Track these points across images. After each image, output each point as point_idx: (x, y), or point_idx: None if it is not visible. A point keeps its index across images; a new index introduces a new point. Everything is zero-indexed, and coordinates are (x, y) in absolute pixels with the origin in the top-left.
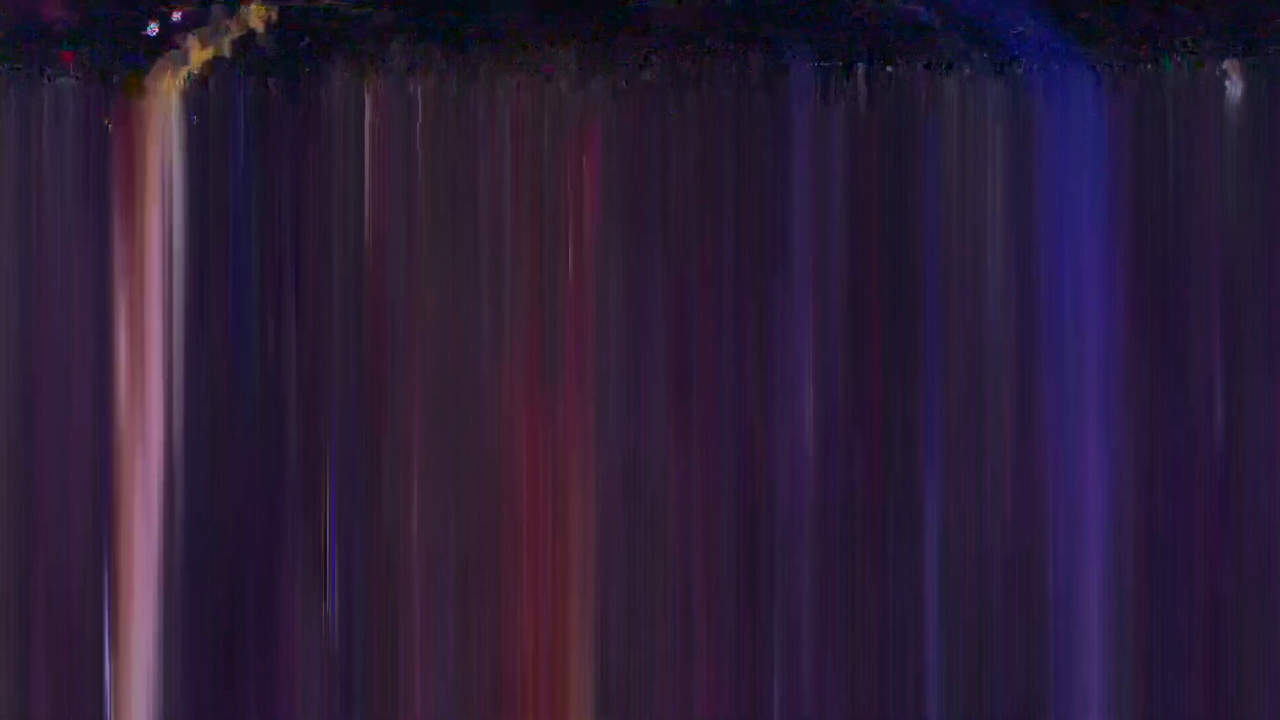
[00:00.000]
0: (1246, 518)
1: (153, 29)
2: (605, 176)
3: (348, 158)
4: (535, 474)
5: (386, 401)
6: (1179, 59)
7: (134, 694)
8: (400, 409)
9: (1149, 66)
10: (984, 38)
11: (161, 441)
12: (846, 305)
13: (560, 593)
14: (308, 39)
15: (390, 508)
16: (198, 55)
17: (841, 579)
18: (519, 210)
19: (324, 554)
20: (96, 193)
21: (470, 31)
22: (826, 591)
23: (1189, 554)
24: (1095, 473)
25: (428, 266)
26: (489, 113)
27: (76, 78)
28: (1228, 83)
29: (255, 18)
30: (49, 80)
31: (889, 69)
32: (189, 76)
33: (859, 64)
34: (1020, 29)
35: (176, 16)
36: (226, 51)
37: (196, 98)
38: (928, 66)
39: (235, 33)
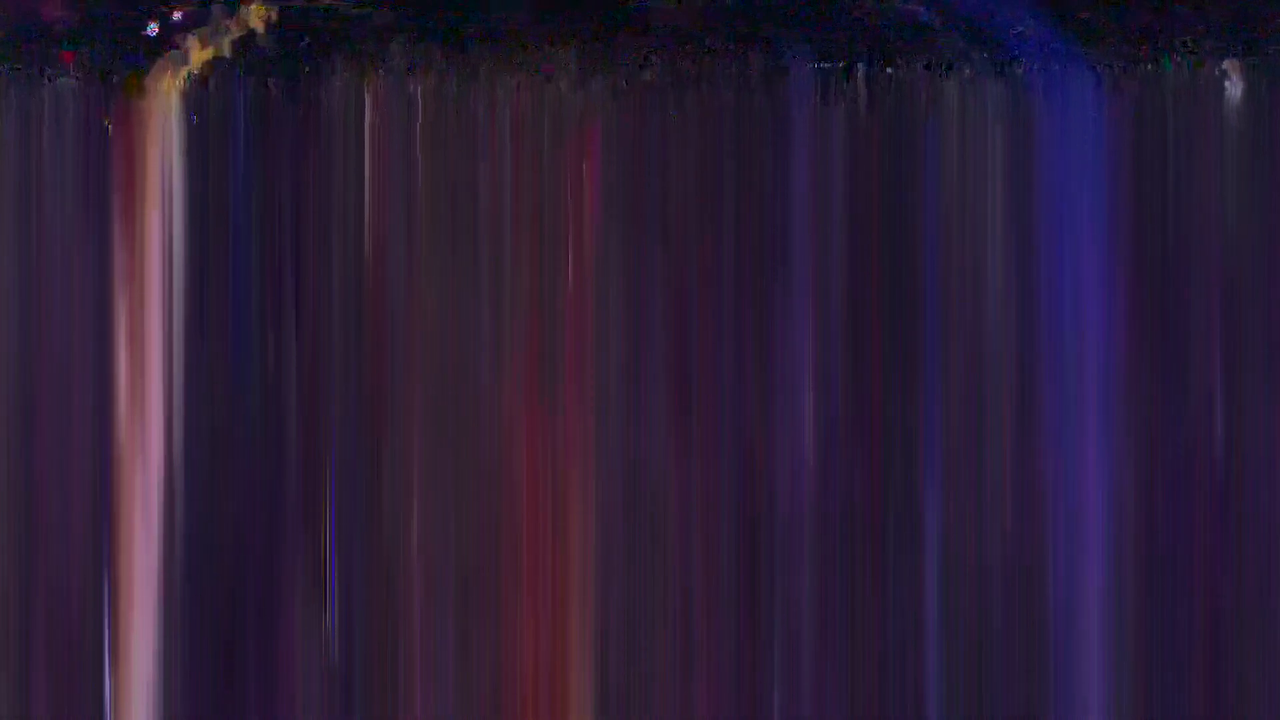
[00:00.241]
0: (1247, 526)
1: (153, 29)
2: (605, 176)
3: (348, 158)
4: (535, 482)
5: (386, 410)
6: (1179, 59)
7: (134, 707)
8: (400, 417)
9: (1149, 66)
10: (984, 38)
11: (161, 450)
12: (846, 306)
13: (560, 602)
14: (308, 39)
15: (390, 517)
16: (198, 55)
17: (841, 587)
18: (519, 210)
19: (324, 564)
20: (96, 193)
21: (470, 31)
22: (826, 599)
23: (1189, 563)
24: (1095, 480)
25: (428, 267)
26: (489, 113)
27: (76, 78)
28: (1228, 83)
29: (255, 18)
30: (49, 80)
31: (889, 70)
32: (189, 76)
33: (859, 65)
34: (1020, 29)
35: (176, 16)
36: (226, 51)
37: (196, 98)
38: (928, 67)
39: (235, 33)
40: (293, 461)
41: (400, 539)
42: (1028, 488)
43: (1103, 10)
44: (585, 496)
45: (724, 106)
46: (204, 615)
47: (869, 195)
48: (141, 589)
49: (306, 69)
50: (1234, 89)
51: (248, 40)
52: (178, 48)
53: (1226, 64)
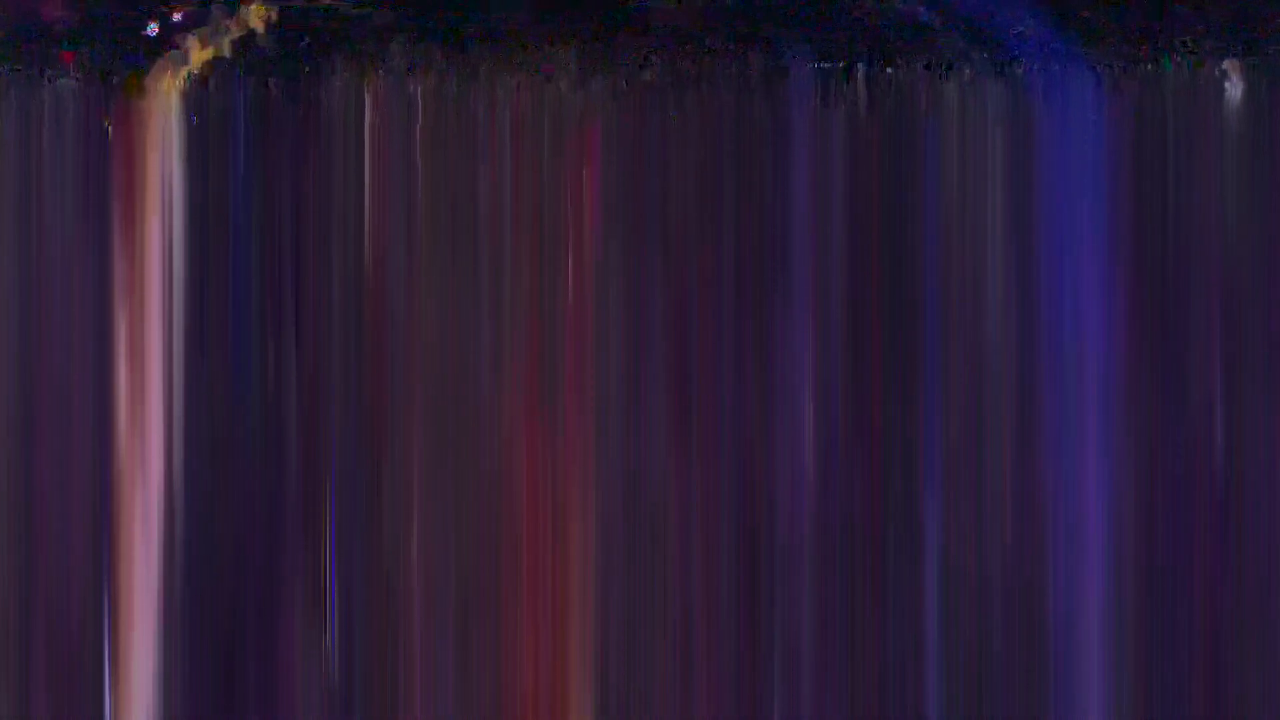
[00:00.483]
0: (1247, 538)
1: (153, 29)
2: (605, 177)
3: (348, 158)
4: (535, 490)
5: (386, 419)
6: (1179, 59)
7: None
8: (400, 425)
9: (1149, 66)
10: (984, 38)
11: (161, 456)
12: (846, 308)
13: (560, 612)
14: (308, 39)
15: (390, 525)
16: (198, 55)
17: (841, 596)
18: (519, 210)
19: (324, 575)
20: (96, 194)
21: (470, 31)
22: (826, 609)
23: (1189, 573)
24: (1095, 489)
25: (427, 270)
26: (489, 113)
27: (76, 78)
28: (1228, 83)
29: (255, 18)
30: (49, 81)
31: (889, 70)
32: (189, 76)
33: (859, 65)
34: (1020, 29)
35: (176, 16)
36: (226, 51)
37: (196, 98)
38: (928, 67)
39: (235, 33)
40: (292, 471)
41: (400, 547)
42: (1028, 497)
43: (1103, 10)
44: (585, 504)
45: (724, 107)
46: (204, 627)
47: (869, 195)
48: (141, 601)
49: (306, 69)
50: (1234, 89)
51: (248, 40)
52: (178, 48)
53: (1226, 64)
